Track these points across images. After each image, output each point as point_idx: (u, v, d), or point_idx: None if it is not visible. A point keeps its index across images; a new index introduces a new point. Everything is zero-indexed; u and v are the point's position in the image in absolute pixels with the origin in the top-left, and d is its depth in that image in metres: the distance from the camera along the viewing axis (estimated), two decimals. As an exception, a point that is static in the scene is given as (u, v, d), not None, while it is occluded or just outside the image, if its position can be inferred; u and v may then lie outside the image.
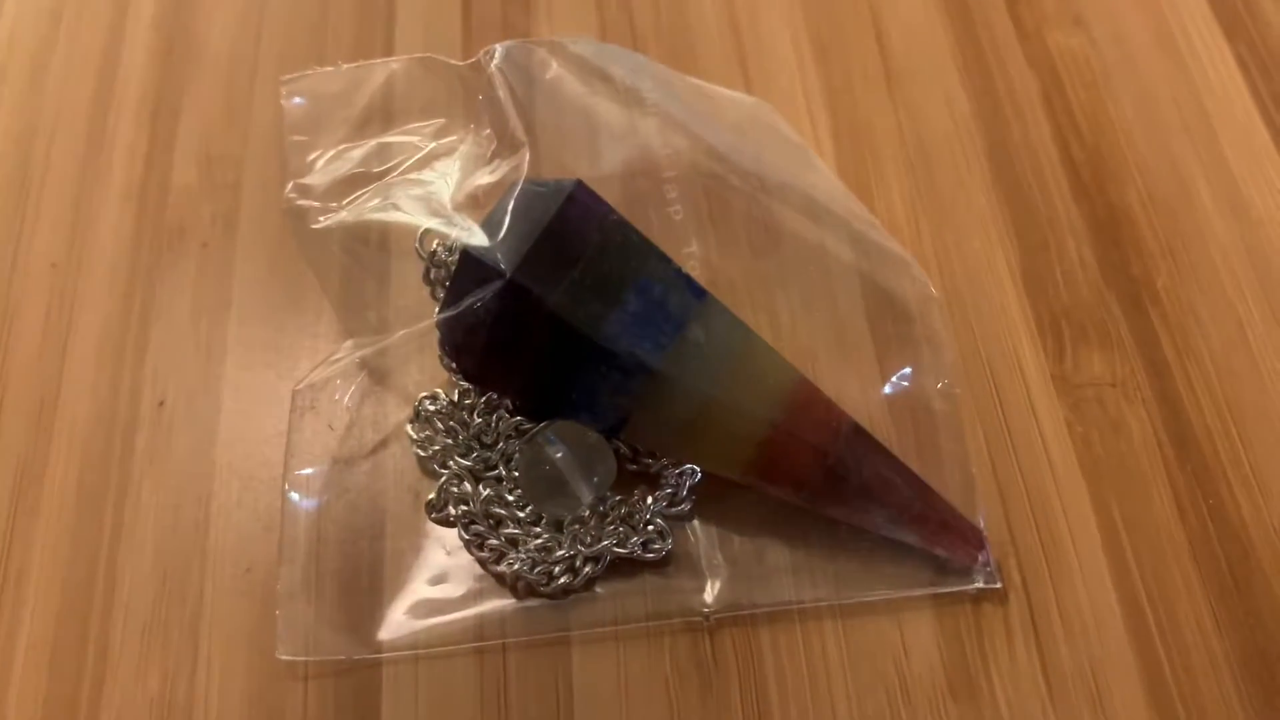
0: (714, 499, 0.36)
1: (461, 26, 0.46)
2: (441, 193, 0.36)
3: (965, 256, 0.41)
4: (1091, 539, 0.36)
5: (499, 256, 0.33)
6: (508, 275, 0.33)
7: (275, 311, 0.40)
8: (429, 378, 0.38)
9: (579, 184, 0.35)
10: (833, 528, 0.35)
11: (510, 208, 0.34)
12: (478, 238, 0.34)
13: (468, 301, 0.33)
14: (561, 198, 0.34)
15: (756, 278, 0.39)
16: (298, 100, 0.38)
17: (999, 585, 0.35)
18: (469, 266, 0.34)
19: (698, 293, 0.35)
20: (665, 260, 0.35)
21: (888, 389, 0.37)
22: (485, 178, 0.36)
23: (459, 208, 0.35)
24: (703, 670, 0.34)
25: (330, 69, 0.39)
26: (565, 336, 0.33)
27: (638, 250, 0.35)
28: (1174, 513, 0.36)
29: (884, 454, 0.35)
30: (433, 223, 0.36)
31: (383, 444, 0.37)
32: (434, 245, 0.36)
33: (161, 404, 0.38)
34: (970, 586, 0.35)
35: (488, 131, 0.36)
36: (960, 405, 0.37)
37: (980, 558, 0.35)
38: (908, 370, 0.38)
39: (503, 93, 0.36)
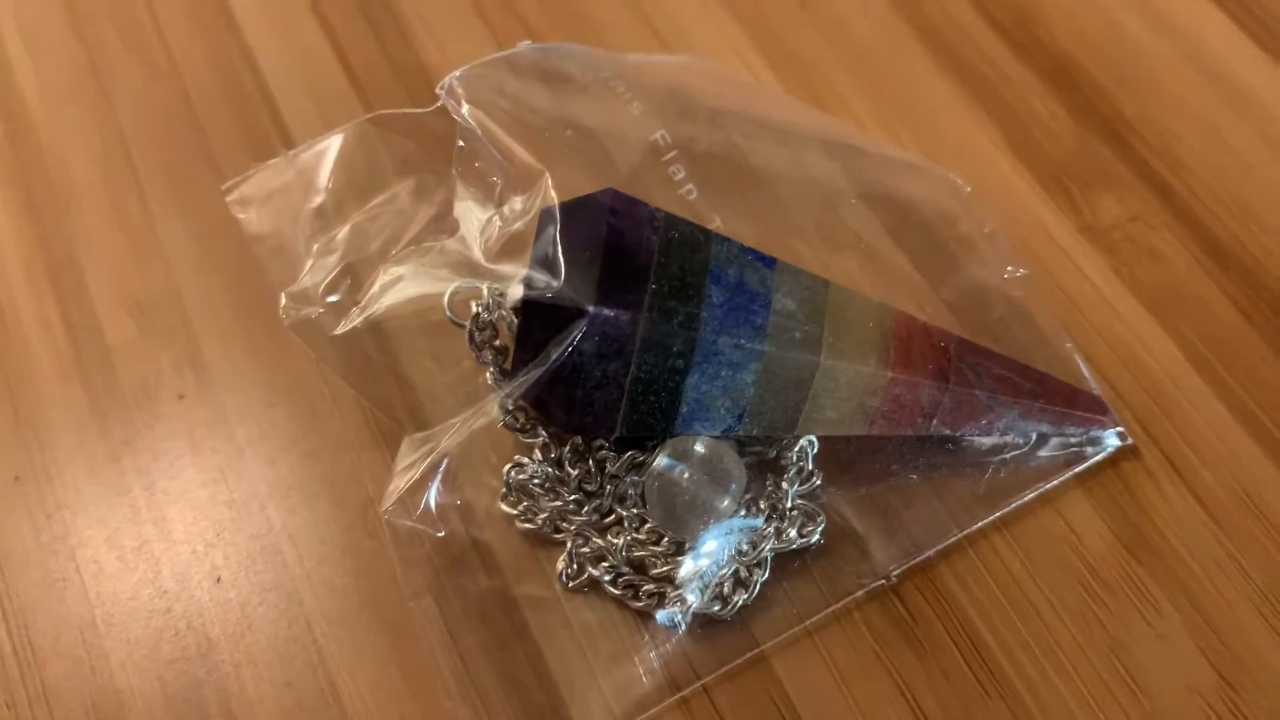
0: (838, 463, 0.34)
1: (348, 81, 0.42)
2: (467, 249, 0.32)
3: (949, 146, 0.41)
4: (1183, 368, 0.36)
5: (572, 293, 0.30)
6: (590, 310, 0.30)
7: (294, 440, 0.36)
8: (492, 447, 0.35)
9: (614, 192, 0.32)
10: (957, 448, 0.35)
11: (557, 239, 0.31)
12: (535, 281, 0.31)
13: (556, 352, 0.31)
14: (604, 212, 0.32)
15: (773, 232, 0.38)
16: (248, 206, 0.34)
17: (1131, 442, 0.35)
18: (538, 315, 0.31)
19: (767, 262, 0.33)
20: (723, 240, 0.33)
21: (947, 295, 0.37)
22: (503, 220, 0.32)
23: (494, 259, 0.32)
24: (904, 629, 0.33)
25: (275, 160, 0.34)
26: (667, 353, 0.31)
27: (695, 240, 0.32)
28: (1237, 315, 0.37)
29: (993, 356, 0.34)
30: (458, 283, 0.33)
31: (480, 534, 0.34)
32: (473, 307, 0.33)
33: (219, 580, 0.34)
34: (1106, 453, 0.35)
35: (477, 166, 0.33)
36: (1034, 286, 0.37)
37: (1108, 422, 0.35)
38: (959, 272, 0.37)
39: (489, 125, 0.32)
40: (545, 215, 0.32)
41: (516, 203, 0.32)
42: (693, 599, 0.32)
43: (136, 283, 0.38)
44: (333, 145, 0.35)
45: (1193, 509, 0.34)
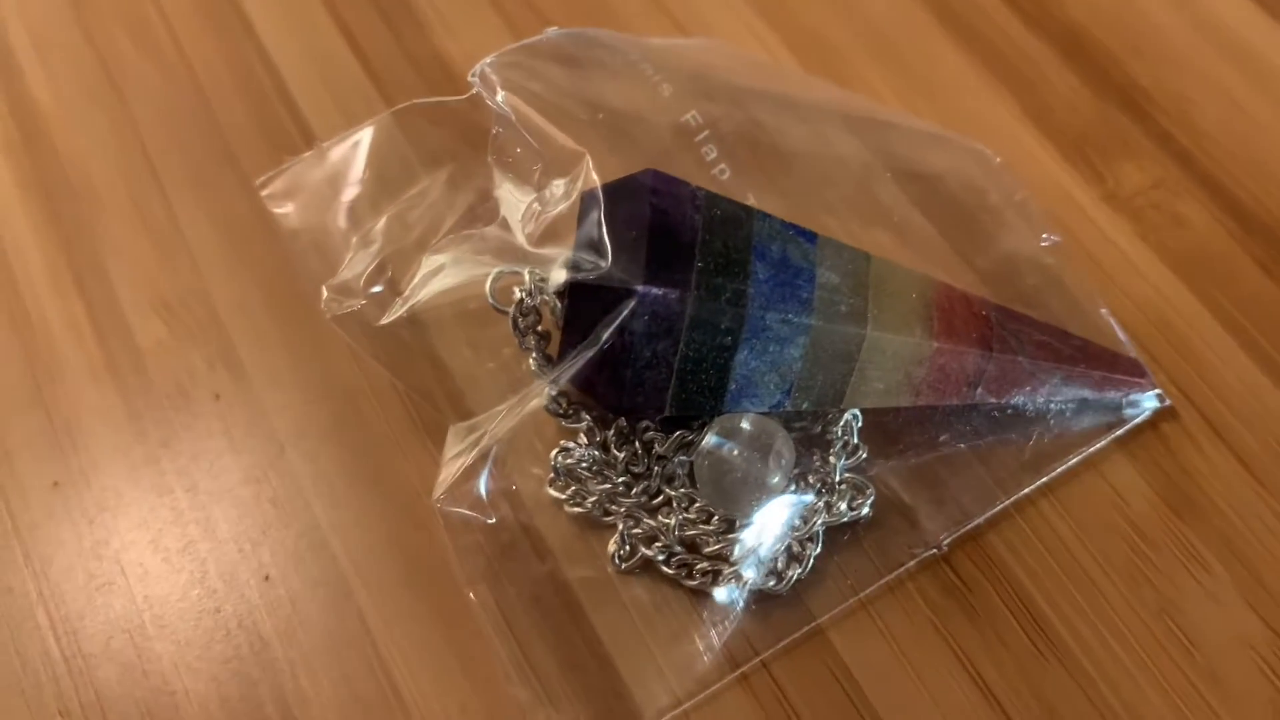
0: (884, 434, 0.35)
1: (365, 73, 0.42)
2: (507, 236, 0.32)
3: (971, 120, 0.41)
4: (1212, 328, 0.37)
5: (620, 273, 0.30)
6: (639, 289, 0.30)
7: (335, 435, 0.35)
8: (537, 433, 0.35)
9: (654, 172, 0.32)
10: (1001, 415, 0.35)
11: (601, 220, 0.31)
12: (582, 263, 0.31)
13: (606, 333, 0.31)
14: (646, 192, 0.32)
15: (804, 209, 0.38)
16: (283, 201, 0.33)
17: (1170, 403, 0.35)
18: (586, 297, 0.31)
19: (808, 236, 0.33)
20: (764, 216, 0.33)
21: (981, 266, 0.37)
22: (543, 204, 0.32)
23: (536, 243, 0.32)
24: (958, 597, 0.33)
25: (307, 154, 0.34)
26: (715, 330, 0.31)
27: (736, 217, 0.33)
28: (1263, 275, 0.38)
29: (1032, 322, 0.34)
30: (499, 269, 0.33)
31: (529, 519, 0.34)
32: (516, 292, 0.33)
33: (268, 578, 0.34)
34: (1146, 415, 0.35)
35: (518, 151, 0.33)
36: (1066, 253, 0.37)
37: (1146, 385, 0.35)
38: (992, 242, 0.37)
39: (524, 111, 0.32)
40: (588, 198, 0.32)
41: (557, 186, 0.32)
42: (749, 575, 0.32)
43: (164, 283, 0.38)
44: (364, 137, 0.35)
45: (1233, 467, 0.35)
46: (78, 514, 0.35)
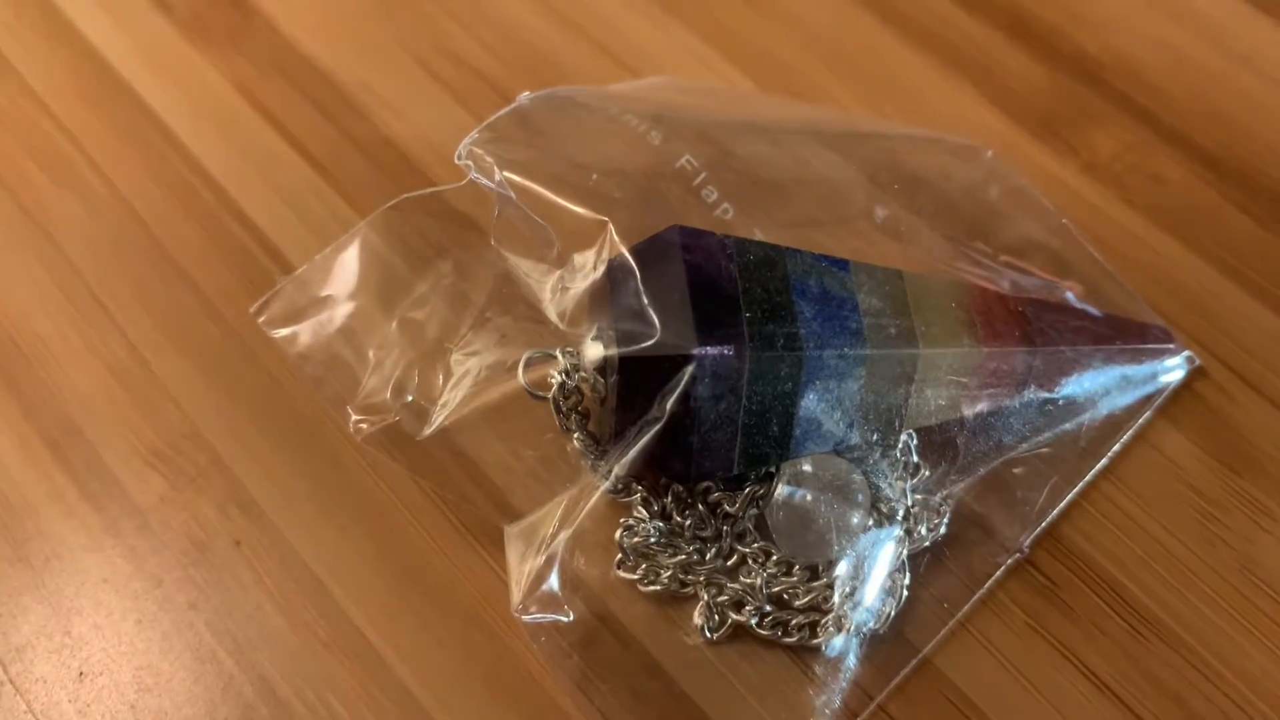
0: (942, 448, 0.34)
1: (314, 170, 0.40)
2: (534, 318, 0.30)
3: (937, 117, 0.41)
4: (1214, 279, 0.37)
5: (673, 339, 0.29)
6: (696, 353, 0.29)
7: (379, 560, 0.33)
8: (588, 516, 0.33)
9: (680, 228, 0.31)
10: (1054, 408, 0.34)
11: (640, 287, 0.30)
12: (630, 335, 0.29)
13: (669, 403, 0.29)
14: (677, 250, 0.30)
15: (810, 238, 0.37)
16: (284, 324, 0.31)
17: (1200, 363, 0.36)
18: (640, 369, 0.30)
19: (840, 265, 0.32)
20: (795, 253, 0.32)
21: (995, 262, 0.37)
22: (568, 280, 0.31)
23: (568, 322, 0.30)
24: (1049, 596, 0.33)
25: (300, 270, 0.32)
26: (775, 379, 0.30)
27: (769, 259, 0.31)
28: (1248, 220, 0.39)
29: (1063, 309, 0.34)
30: (530, 353, 0.31)
31: (603, 608, 0.32)
32: (553, 375, 0.31)
33: (344, 730, 0.31)
34: (1180, 378, 0.35)
35: (523, 230, 0.31)
36: (1072, 232, 0.37)
37: (1176, 349, 0.35)
38: (1001, 236, 0.37)
39: (526, 185, 0.31)
40: (616, 266, 0.30)
41: (579, 259, 0.31)
42: (851, 620, 0.31)
43: (150, 432, 0.35)
44: (355, 243, 0.32)
45: (1271, 412, 0.35)
46: (115, 702, 0.31)
